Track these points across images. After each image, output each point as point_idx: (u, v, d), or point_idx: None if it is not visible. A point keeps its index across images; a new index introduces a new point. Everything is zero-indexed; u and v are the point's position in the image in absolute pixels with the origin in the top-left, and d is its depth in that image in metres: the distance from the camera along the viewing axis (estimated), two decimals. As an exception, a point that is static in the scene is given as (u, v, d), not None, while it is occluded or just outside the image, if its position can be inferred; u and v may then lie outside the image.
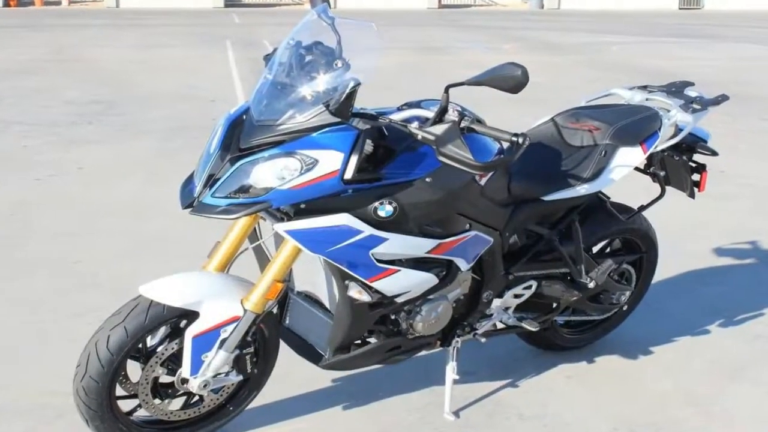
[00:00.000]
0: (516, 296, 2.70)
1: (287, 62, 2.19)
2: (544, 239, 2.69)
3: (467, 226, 2.34)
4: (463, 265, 2.39)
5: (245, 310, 2.22)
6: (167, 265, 3.71)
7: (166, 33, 16.38)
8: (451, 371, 2.62)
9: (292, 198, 2.05)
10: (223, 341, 2.23)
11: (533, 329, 2.78)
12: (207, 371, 2.25)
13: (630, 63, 12.40)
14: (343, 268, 2.15)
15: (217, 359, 2.24)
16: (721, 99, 2.97)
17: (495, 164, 2.18)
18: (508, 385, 2.90)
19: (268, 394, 2.60)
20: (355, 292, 2.21)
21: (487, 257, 2.50)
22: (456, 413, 2.68)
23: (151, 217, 4.64)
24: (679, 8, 28.68)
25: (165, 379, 2.32)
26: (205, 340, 2.22)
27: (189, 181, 2.24)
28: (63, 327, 3.25)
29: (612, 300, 3.00)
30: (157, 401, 2.32)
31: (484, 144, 2.28)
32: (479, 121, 2.15)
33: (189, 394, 2.38)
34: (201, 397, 2.37)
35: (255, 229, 2.38)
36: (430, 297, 2.40)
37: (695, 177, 2.97)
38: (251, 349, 2.35)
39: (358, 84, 2.08)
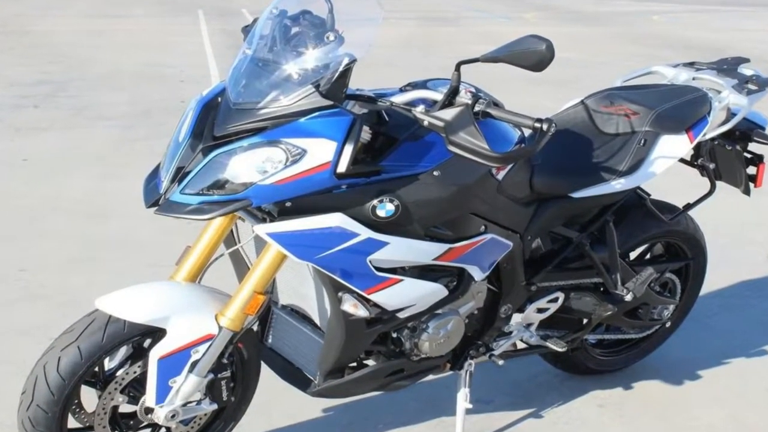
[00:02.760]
0: (540, 311, 2.70)
1: (270, 35, 2.19)
2: (572, 243, 2.69)
3: (482, 228, 2.35)
4: (478, 273, 2.40)
5: (220, 328, 2.22)
6: (128, 274, 3.73)
7: (126, 0, 16.38)
8: (463, 399, 2.63)
9: (275, 195, 2.05)
10: (195, 364, 2.23)
11: (560, 349, 2.79)
12: (175, 399, 2.25)
13: (674, 35, 12.41)
14: (336, 278, 2.16)
15: (187, 385, 2.24)
16: (781, 78, 2.98)
17: (515, 155, 2.18)
18: (531, 415, 2.91)
19: (246, 426, 2.60)
20: (350, 306, 2.21)
21: (505, 265, 2.51)
22: (469, 449, 2.70)
23: (108, 217, 4.65)
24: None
25: (126, 408, 2.32)
26: (173, 363, 2.22)
27: (154, 176, 2.25)
28: (5, 346, 3.25)
29: (653, 315, 3.01)
30: (116, 434, 2.33)
31: (501, 131, 2.29)
32: (496, 105, 2.15)
33: (154, 426, 2.39)
34: (168, 429, 2.38)
35: (232, 231, 2.39)
36: (439, 312, 2.41)
37: (751, 170, 2.98)
38: (227, 374, 2.36)
39: (353, 60, 2.08)
